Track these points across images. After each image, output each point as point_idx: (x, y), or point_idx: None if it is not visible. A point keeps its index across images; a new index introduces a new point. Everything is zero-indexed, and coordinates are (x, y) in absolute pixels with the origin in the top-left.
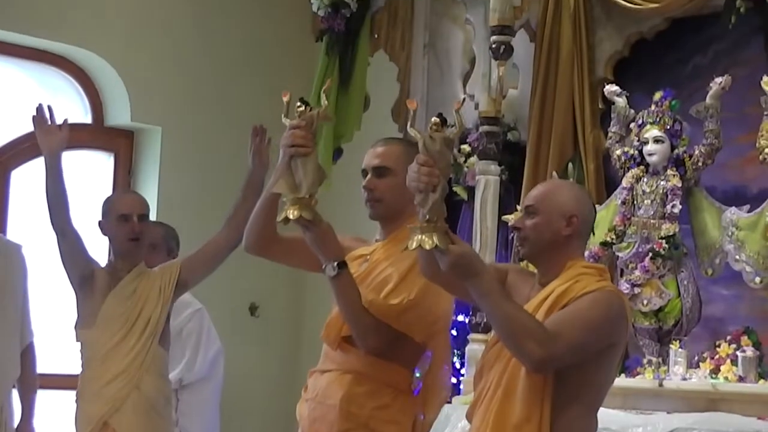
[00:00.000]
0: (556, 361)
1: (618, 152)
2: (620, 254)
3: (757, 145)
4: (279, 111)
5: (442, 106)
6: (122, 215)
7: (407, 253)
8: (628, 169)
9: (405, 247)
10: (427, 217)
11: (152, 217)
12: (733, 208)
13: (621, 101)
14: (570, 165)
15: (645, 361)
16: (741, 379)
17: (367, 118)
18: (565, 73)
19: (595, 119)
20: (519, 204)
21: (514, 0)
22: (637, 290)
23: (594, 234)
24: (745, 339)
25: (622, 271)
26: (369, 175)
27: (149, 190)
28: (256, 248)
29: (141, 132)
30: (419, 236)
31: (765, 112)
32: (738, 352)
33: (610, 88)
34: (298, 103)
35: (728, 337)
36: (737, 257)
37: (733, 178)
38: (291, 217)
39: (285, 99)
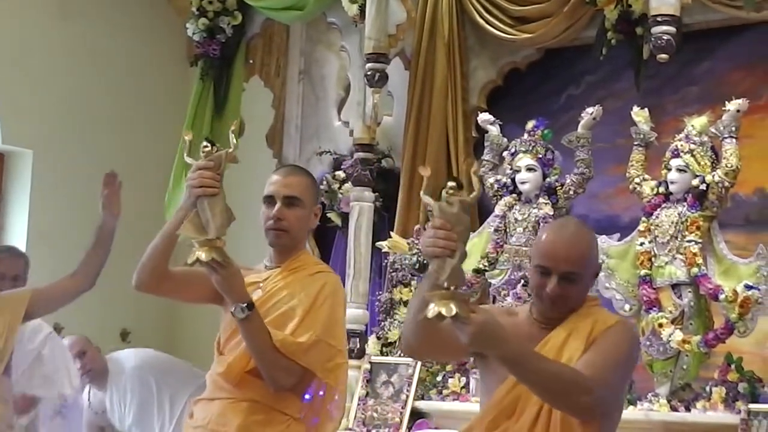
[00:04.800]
0: (603, 406)
1: (491, 180)
2: (493, 281)
3: (627, 174)
4: (152, 135)
5: (316, 133)
6: None
7: (309, 285)
8: (501, 197)
9: (423, 316)
10: (446, 284)
11: (22, 243)
12: (604, 237)
13: (494, 130)
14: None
15: None
16: None
17: (241, 144)
18: (439, 101)
19: (468, 147)
20: (393, 231)
21: (389, 28)
22: None
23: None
24: None
25: (494, 297)
26: (279, 204)
27: (19, 215)
28: (148, 286)
29: (11, 155)
30: (437, 305)
31: (634, 143)
32: None
33: (484, 117)
34: (205, 143)
35: None
36: (607, 285)
37: (605, 208)
38: (203, 258)
39: (187, 138)
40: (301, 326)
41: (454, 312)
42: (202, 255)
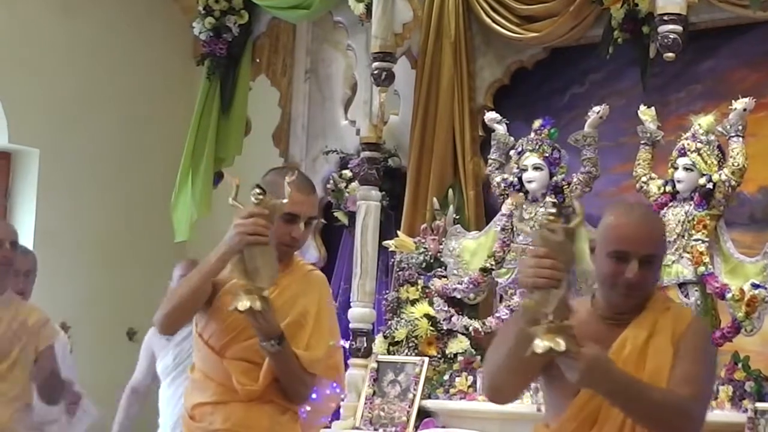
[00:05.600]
0: (702, 421)
1: (498, 179)
2: (500, 280)
3: (633, 173)
4: (159, 134)
5: (322, 132)
6: None
7: (309, 287)
8: (508, 195)
9: (530, 352)
10: (551, 317)
11: (29, 242)
12: None
13: (501, 129)
14: (450, 191)
15: None
16: None
17: (248, 143)
18: (445, 100)
19: (475, 146)
20: (399, 230)
21: (395, 27)
22: None
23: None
24: None
25: (501, 296)
26: (301, 225)
27: (26, 214)
28: (175, 330)
29: (18, 154)
30: (545, 339)
31: (641, 142)
32: None
33: (490, 116)
34: (258, 190)
35: None
36: None
37: None
38: (256, 308)
39: (235, 183)
40: (313, 337)
41: (563, 347)
42: (256, 304)
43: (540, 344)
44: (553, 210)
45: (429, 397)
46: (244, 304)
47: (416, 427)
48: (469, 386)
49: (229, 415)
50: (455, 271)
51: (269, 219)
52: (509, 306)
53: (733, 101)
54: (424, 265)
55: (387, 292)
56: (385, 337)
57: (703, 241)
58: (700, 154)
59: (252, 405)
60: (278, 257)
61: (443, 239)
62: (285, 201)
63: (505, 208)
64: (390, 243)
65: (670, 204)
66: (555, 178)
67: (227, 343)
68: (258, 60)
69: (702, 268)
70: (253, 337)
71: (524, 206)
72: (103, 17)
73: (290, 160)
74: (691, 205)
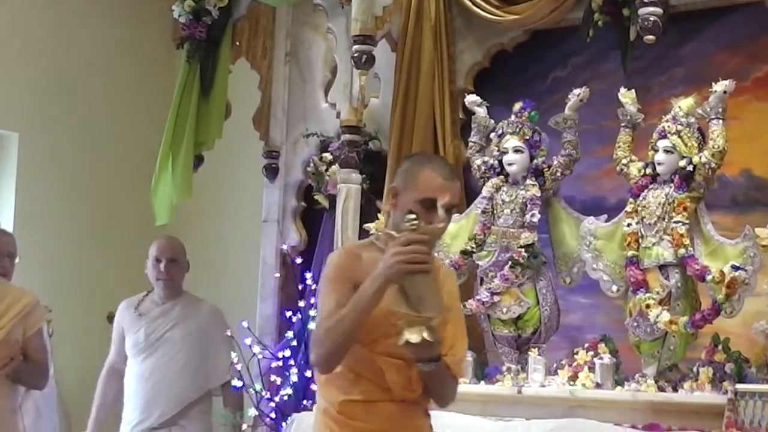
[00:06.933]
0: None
1: (478, 162)
2: (480, 263)
3: (614, 156)
4: (139, 117)
5: (303, 115)
6: None
7: (447, 280)
8: (488, 178)
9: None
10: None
11: (9, 226)
12: (591, 218)
13: (481, 111)
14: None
15: (504, 368)
16: (598, 385)
17: (228, 126)
18: (426, 83)
19: (455, 129)
20: (380, 213)
21: (375, 10)
22: (496, 298)
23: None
24: (602, 347)
25: (482, 279)
26: (443, 212)
27: (5, 199)
28: (335, 368)
29: None
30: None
31: (622, 124)
32: (595, 360)
33: (471, 98)
34: (412, 216)
35: (586, 345)
36: (594, 266)
37: (591, 190)
38: (428, 338)
39: (411, 217)
40: (457, 336)
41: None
42: (426, 335)
43: (412, 336)
44: (413, 217)
45: None
46: (414, 337)
47: None
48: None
49: (384, 415)
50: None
51: (429, 245)
52: (489, 288)
53: (713, 84)
54: None
55: None
56: None
57: (684, 224)
58: (680, 137)
59: (403, 405)
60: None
61: None
62: (442, 225)
63: (485, 191)
64: (371, 226)
65: (651, 186)
66: (535, 161)
67: (376, 338)
68: (238, 43)
69: (682, 251)
70: None
71: (504, 189)
72: (83, 1)
73: (271, 143)
74: (671, 187)
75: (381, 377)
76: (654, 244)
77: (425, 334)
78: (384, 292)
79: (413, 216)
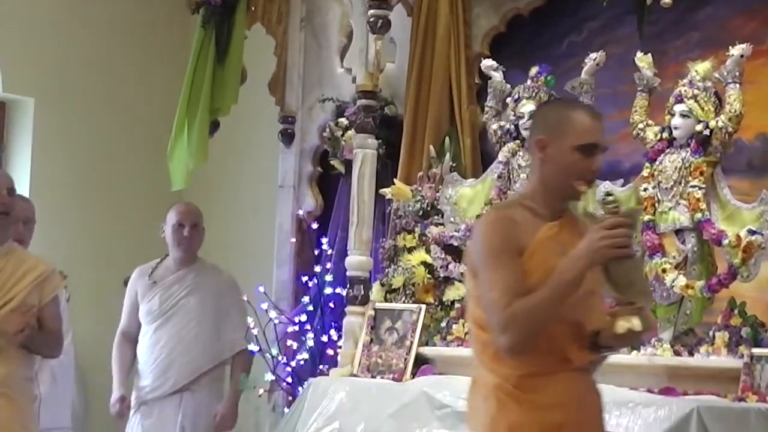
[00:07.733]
0: None
1: (494, 127)
2: None
3: (630, 120)
4: (154, 82)
5: (318, 80)
6: None
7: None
8: (504, 143)
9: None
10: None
11: (25, 192)
12: (608, 182)
13: (497, 76)
14: (447, 139)
15: None
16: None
17: (243, 92)
18: (442, 48)
19: (471, 94)
20: (396, 178)
21: None
22: None
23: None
24: None
25: None
26: (599, 157)
27: (21, 165)
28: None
29: (13, 103)
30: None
31: (638, 88)
32: None
33: (487, 63)
34: (610, 197)
35: None
36: None
37: (608, 154)
38: (635, 328)
39: (610, 199)
40: (602, 306)
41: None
42: (636, 323)
43: (634, 324)
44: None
45: (426, 344)
46: (623, 325)
47: (413, 374)
48: (466, 333)
49: (566, 387)
50: (452, 219)
51: (632, 227)
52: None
53: (730, 48)
54: (420, 213)
55: (384, 240)
56: (382, 285)
57: (700, 188)
58: (696, 101)
59: (580, 375)
60: (574, 197)
61: (440, 187)
62: (641, 207)
63: (501, 156)
64: (387, 191)
65: (667, 151)
66: None
67: (580, 332)
68: (253, 8)
69: (699, 215)
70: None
71: (520, 154)
72: None
73: (286, 108)
74: (687, 151)
75: (557, 346)
76: (670, 209)
77: (636, 323)
78: (585, 275)
79: (612, 197)
